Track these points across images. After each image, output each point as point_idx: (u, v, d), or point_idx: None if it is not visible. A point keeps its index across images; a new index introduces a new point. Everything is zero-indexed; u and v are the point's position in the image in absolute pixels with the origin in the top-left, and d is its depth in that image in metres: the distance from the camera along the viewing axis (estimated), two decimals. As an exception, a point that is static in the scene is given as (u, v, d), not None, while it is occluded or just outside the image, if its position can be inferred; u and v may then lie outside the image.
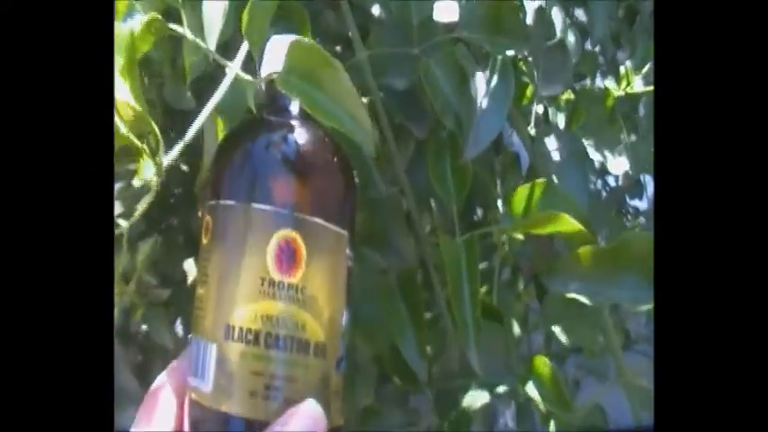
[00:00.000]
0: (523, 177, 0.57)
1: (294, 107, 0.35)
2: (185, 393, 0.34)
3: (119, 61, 0.31)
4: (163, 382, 0.35)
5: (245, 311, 0.32)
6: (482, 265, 0.44)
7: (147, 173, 0.33)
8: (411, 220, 0.49)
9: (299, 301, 0.33)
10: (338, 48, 0.59)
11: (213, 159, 0.35)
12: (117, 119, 0.31)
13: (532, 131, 0.50)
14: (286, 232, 0.33)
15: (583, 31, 0.68)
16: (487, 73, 0.44)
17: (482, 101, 0.42)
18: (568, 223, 0.37)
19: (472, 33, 0.45)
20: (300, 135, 0.35)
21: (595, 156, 0.52)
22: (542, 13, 0.57)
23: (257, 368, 0.32)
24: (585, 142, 0.52)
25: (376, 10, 0.49)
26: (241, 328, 0.32)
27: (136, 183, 0.34)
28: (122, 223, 0.35)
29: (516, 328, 0.73)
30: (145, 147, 0.32)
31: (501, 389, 0.44)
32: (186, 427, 0.34)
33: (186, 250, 0.61)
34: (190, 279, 0.61)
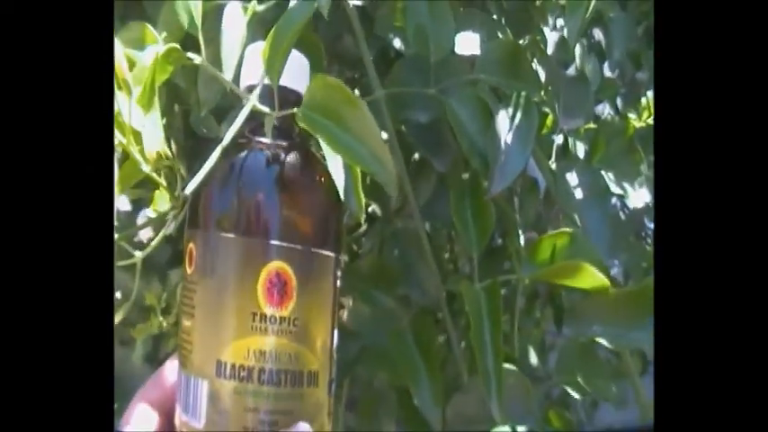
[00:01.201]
0: (541, 201, 0.56)
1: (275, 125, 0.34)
2: (163, 411, 0.34)
3: (136, 91, 0.31)
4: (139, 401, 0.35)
5: (237, 347, 0.32)
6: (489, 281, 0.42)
7: (162, 205, 0.32)
8: (427, 256, 0.48)
9: (291, 333, 0.32)
10: (356, 75, 0.59)
11: (198, 184, 0.34)
12: (135, 151, 0.30)
13: (553, 165, 0.49)
14: (276, 264, 0.32)
15: (600, 53, 0.67)
16: (510, 109, 0.43)
17: (506, 137, 0.41)
18: (592, 276, 0.36)
19: (489, 75, 0.44)
20: (286, 160, 0.34)
21: (615, 189, 0.51)
22: (564, 44, 0.56)
23: (251, 404, 0.32)
24: (605, 174, 0.51)
25: (396, 42, 0.49)
26: (233, 365, 0.32)
27: (150, 214, 0.33)
28: (137, 254, 0.33)
29: (533, 357, 0.72)
30: (162, 180, 0.31)
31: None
32: None
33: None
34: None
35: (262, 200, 0.34)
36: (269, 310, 0.32)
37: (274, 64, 0.33)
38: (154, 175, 0.30)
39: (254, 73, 0.36)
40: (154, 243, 0.33)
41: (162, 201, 0.32)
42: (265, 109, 0.34)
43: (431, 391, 0.42)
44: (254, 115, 0.34)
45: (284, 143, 0.35)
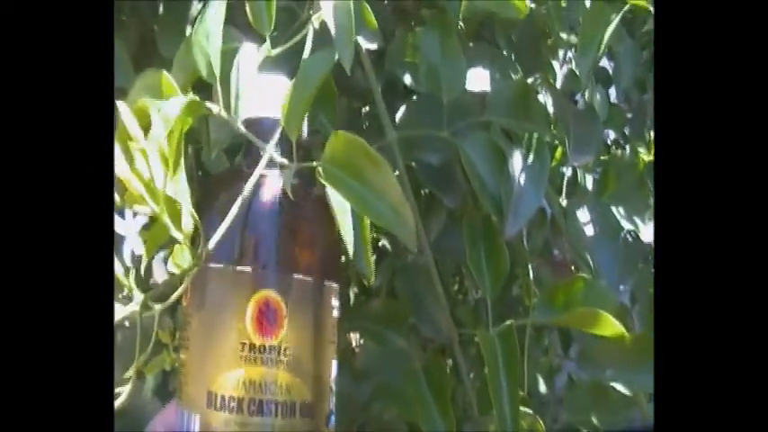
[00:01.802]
0: (549, 229, 0.57)
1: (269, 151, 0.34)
2: None
3: (155, 146, 0.30)
4: None
5: (227, 378, 0.32)
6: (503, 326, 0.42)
7: (183, 260, 0.32)
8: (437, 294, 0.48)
9: (281, 363, 0.32)
10: (364, 107, 0.59)
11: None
12: (155, 206, 0.30)
13: (563, 201, 0.49)
14: (265, 293, 0.32)
15: (606, 79, 0.67)
16: (522, 150, 0.43)
17: (519, 178, 0.42)
18: (609, 324, 0.36)
19: (500, 117, 0.45)
20: (276, 188, 0.34)
21: (626, 224, 0.51)
22: (572, 76, 0.56)
23: None
24: (614, 210, 0.51)
25: (406, 78, 0.49)
26: (223, 396, 0.31)
27: (171, 268, 0.33)
28: (156, 307, 0.33)
29: (542, 386, 0.72)
30: (185, 238, 0.31)
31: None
32: None
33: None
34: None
35: (251, 229, 0.33)
36: (258, 340, 0.32)
37: (294, 119, 0.33)
38: (175, 233, 0.30)
39: (256, 106, 0.36)
40: (173, 297, 0.32)
41: (182, 255, 0.32)
42: (284, 161, 0.34)
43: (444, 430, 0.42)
44: (249, 146, 0.34)
45: (275, 173, 0.35)
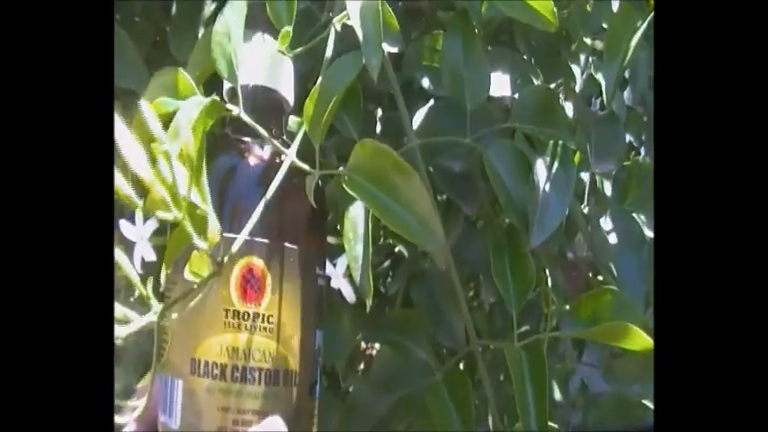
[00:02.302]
0: (564, 234, 0.55)
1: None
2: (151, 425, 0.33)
3: (174, 150, 0.29)
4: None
5: (211, 344, 0.31)
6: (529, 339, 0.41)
7: (200, 267, 0.31)
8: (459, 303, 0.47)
9: (265, 330, 0.32)
10: (378, 109, 0.58)
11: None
12: (178, 213, 0.28)
13: (585, 209, 0.48)
14: (249, 259, 0.32)
15: (622, 82, 0.66)
16: (546, 158, 0.42)
17: (544, 187, 0.41)
18: (638, 337, 0.35)
19: (525, 123, 0.44)
20: (259, 156, 0.34)
21: (648, 231, 0.50)
22: (592, 80, 0.55)
23: (225, 403, 0.31)
24: (637, 217, 0.50)
25: (424, 81, 0.48)
26: (206, 362, 0.31)
27: (188, 276, 0.32)
28: (174, 316, 0.32)
29: (557, 393, 0.71)
30: (204, 246, 0.30)
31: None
32: None
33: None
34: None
35: (236, 196, 0.33)
36: (242, 306, 0.31)
37: (318, 125, 0.32)
38: (198, 240, 0.29)
39: (250, 73, 0.35)
40: (192, 304, 0.31)
41: (199, 263, 0.31)
42: (305, 167, 0.33)
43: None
44: (234, 117, 0.33)
45: (261, 141, 0.34)
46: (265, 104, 0.35)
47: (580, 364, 0.81)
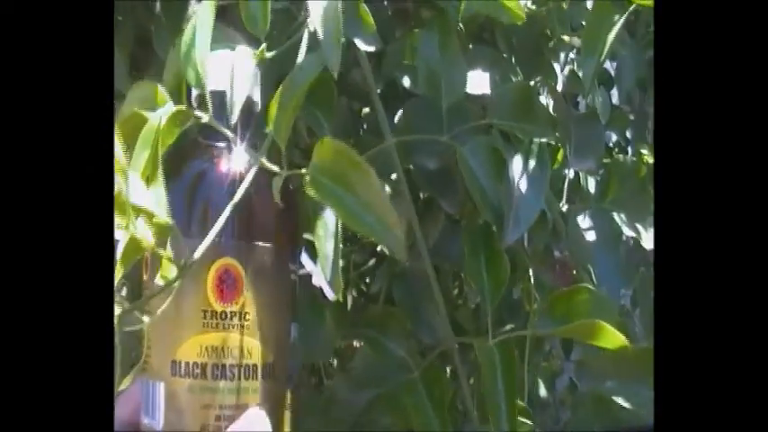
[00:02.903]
0: (549, 233, 0.55)
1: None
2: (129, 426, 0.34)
3: (141, 158, 0.30)
4: None
5: (190, 345, 0.32)
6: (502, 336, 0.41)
7: (169, 273, 0.31)
8: (436, 301, 0.47)
9: (242, 328, 0.32)
10: (363, 108, 0.58)
11: None
12: (135, 228, 0.29)
13: (564, 206, 0.48)
14: (224, 261, 0.32)
15: (608, 80, 0.66)
16: (522, 155, 0.42)
17: (518, 183, 0.40)
18: (611, 335, 0.35)
19: (502, 120, 0.43)
20: (230, 158, 0.34)
21: (628, 231, 0.49)
22: (574, 78, 0.55)
23: (206, 401, 0.32)
24: (616, 216, 0.50)
25: (405, 81, 0.47)
26: (187, 363, 0.32)
27: (159, 282, 0.32)
28: (145, 319, 0.32)
29: (543, 390, 0.71)
30: (168, 252, 0.30)
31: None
32: None
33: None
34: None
35: (206, 200, 0.34)
36: (219, 306, 0.32)
37: (282, 126, 0.32)
38: (158, 250, 0.29)
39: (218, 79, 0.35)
40: (162, 308, 0.31)
41: (167, 268, 0.31)
42: (274, 168, 0.33)
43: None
44: (206, 124, 0.33)
45: (229, 144, 0.34)
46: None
47: (568, 362, 0.81)
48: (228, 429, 0.32)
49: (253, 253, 0.33)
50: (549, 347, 0.74)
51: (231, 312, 0.32)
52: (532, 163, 0.41)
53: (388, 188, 0.45)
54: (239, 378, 0.32)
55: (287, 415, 0.35)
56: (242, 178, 0.33)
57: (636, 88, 0.69)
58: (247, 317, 0.33)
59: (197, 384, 0.32)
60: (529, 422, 0.40)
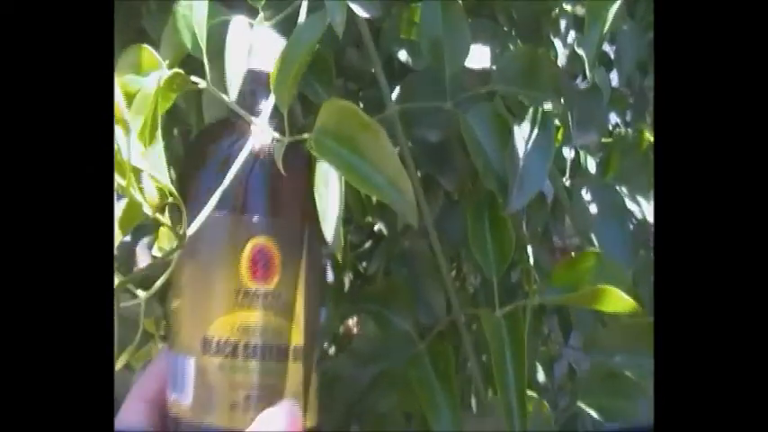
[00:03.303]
0: (549, 213, 0.55)
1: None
2: (154, 402, 0.34)
3: (138, 123, 0.29)
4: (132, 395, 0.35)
5: (223, 323, 0.32)
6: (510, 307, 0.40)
7: (167, 243, 0.31)
8: (440, 275, 0.46)
9: (275, 308, 0.32)
10: (361, 88, 0.57)
11: (181, 165, 0.34)
12: (136, 192, 0.28)
13: (567, 182, 0.48)
14: (260, 239, 0.32)
15: (608, 62, 0.66)
16: (525, 124, 0.41)
17: (523, 153, 0.39)
18: (621, 300, 0.34)
19: (508, 86, 0.42)
20: (260, 136, 0.33)
21: (630, 204, 0.49)
22: (575, 56, 0.54)
23: (237, 380, 0.32)
24: (619, 189, 0.49)
25: (402, 54, 0.47)
26: (218, 341, 0.32)
27: (156, 253, 0.31)
28: (140, 294, 0.32)
29: (541, 374, 0.70)
30: (166, 219, 0.29)
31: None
32: None
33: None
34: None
35: (246, 177, 0.33)
36: (253, 285, 0.32)
37: (284, 89, 0.31)
38: (157, 215, 0.29)
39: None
40: (158, 284, 0.31)
41: (166, 238, 0.31)
42: (276, 134, 0.33)
43: (450, 417, 0.41)
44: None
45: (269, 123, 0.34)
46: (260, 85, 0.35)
47: (567, 348, 0.81)
48: (261, 415, 0.32)
49: (288, 233, 0.33)
50: (547, 331, 0.74)
51: (265, 292, 0.32)
52: (537, 132, 0.40)
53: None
54: (270, 359, 0.32)
55: (314, 398, 0.34)
56: (270, 154, 0.33)
57: (636, 71, 0.69)
58: (281, 297, 0.33)
59: (228, 363, 0.32)
60: (534, 395, 0.39)
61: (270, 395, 0.32)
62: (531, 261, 0.50)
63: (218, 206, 0.31)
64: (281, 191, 0.33)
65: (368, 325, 0.46)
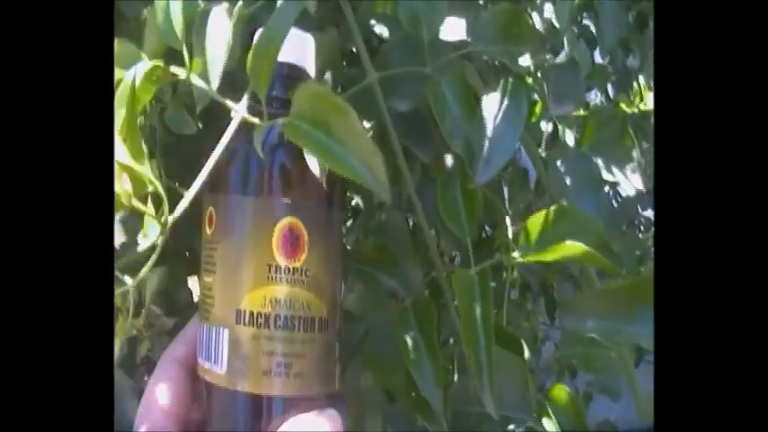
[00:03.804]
0: (532, 192, 0.56)
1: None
2: (187, 364, 0.37)
3: (119, 116, 0.30)
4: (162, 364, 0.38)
5: (255, 297, 0.35)
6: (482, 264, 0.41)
7: (151, 232, 0.32)
8: (420, 244, 0.47)
9: (303, 283, 0.36)
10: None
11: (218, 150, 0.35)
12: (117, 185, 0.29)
13: (543, 153, 0.49)
14: (288, 220, 0.35)
15: (590, 39, 0.67)
16: (497, 93, 0.42)
17: (493, 122, 0.41)
18: (594, 258, 0.36)
19: (486, 46, 0.43)
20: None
21: (607, 175, 0.50)
22: (553, 31, 0.55)
23: (269, 348, 0.35)
24: (596, 160, 0.50)
25: (378, 28, 0.48)
26: (251, 312, 0.35)
27: (141, 241, 0.33)
28: (128, 281, 0.34)
29: (526, 350, 0.72)
30: (148, 208, 0.31)
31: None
32: (203, 407, 0.36)
33: (188, 269, 0.60)
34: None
35: (275, 164, 0.36)
36: (283, 262, 0.35)
37: (260, 72, 0.33)
38: (138, 204, 0.30)
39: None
40: (144, 270, 0.33)
41: (150, 226, 0.32)
42: (255, 120, 0.34)
43: (432, 371, 0.42)
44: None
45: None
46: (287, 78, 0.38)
47: (554, 329, 0.82)
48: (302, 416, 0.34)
49: (316, 214, 0.37)
50: (529, 305, 0.75)
51: (294, 268, 0.35)
52: (507, 101, 0.41)
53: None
54: (298, 329, 0.35)
55: (336, 366, 0.38)
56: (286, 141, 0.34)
57: (618, 48, 0.70)
58: (308, 273, 0.36)
59: (260, 333, 0.35)
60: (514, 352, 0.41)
61: (299, 362, 0.35)
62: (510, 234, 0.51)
63: (253, 192, 0.36)
64: (310, 176, 0.35)
65: (354, 282, 0.48)
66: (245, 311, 0.35)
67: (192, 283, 0.61)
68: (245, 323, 0.35)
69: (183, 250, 0.61)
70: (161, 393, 0.36)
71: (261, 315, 0.35)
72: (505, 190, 0.56)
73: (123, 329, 0.43)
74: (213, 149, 0.34)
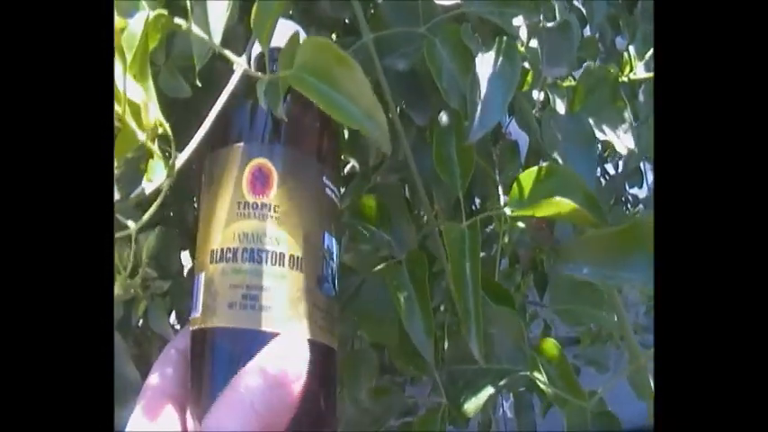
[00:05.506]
0: (522, 165, 0.58)
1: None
2: (185, 360, 0.38)
3: (129, 60, 0.32)
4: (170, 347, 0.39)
5: (226, 234, 0.36)
6: (482, 255, 0.44)
7: (157, 175, 0.34)
8: (416, 205, 0.49)
9: (272, 218, 0.37)
10: (334, 35, 0.60)
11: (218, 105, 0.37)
12: (130, 121, 0.31)
13: (536, 114, 0.51)
14: (259, 161, 0.37)
15: (581, 18, 0.69)
16: (492, 54, 0.44)
17: (487, 82, 0.43)
18: (580, 215, 0.38)
19: (480, 7, 0.46)
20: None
21: (599, 135, 0.52)
22: (546, 5, 0.57)
23: (235, 281, 0.36)
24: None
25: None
26: (221, 249, 0.36)
27: (146, 185, 0.34)
28: (131, 225, 0.35)
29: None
30: (157, 149, 0.32)
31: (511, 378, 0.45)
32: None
33: (182, 241, 0.62)
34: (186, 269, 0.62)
35: (247, 109, 0.39)
36: (251, 198, 0.37)
37: (264, 27, 0.34)
38: (150, 144, 0.32)
39: None
40: (148, 214, 0.34)
41: (155, 171, 0.34)
42: (257, 74, 0.36)
43: (423, 322, 0.45)
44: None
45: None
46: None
47: (543, 308, 0.84)
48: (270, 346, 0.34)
49: (285, 156, 0.38)
50: (518, 278, 0.77)
51: (262, 203, 0.37)
52: (501, 60, 0.44)
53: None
54: (265, 262, 0.36)
55: (318, 315, 0.37)
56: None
57: (607, 26, 0.73)
58: (278, 209, 0.37)
59: (228, 267, 0.36)
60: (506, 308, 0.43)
61: (266, 295, 0.35)
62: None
63: (231, 140, 0.38)
64: (282, 121, 0.38)
65: (352, 238, 0.50)
66: (216, 250, 0.36)
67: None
68: (216, 260, 0.36)
69: (175, 216, 0.63)
70: (161, 376, 0.37)
71: (230, 250, 0.36)
72: (496, 162, 0.58)
73: (121, 288, 0.44)
74: (204, 108, 0.36)
